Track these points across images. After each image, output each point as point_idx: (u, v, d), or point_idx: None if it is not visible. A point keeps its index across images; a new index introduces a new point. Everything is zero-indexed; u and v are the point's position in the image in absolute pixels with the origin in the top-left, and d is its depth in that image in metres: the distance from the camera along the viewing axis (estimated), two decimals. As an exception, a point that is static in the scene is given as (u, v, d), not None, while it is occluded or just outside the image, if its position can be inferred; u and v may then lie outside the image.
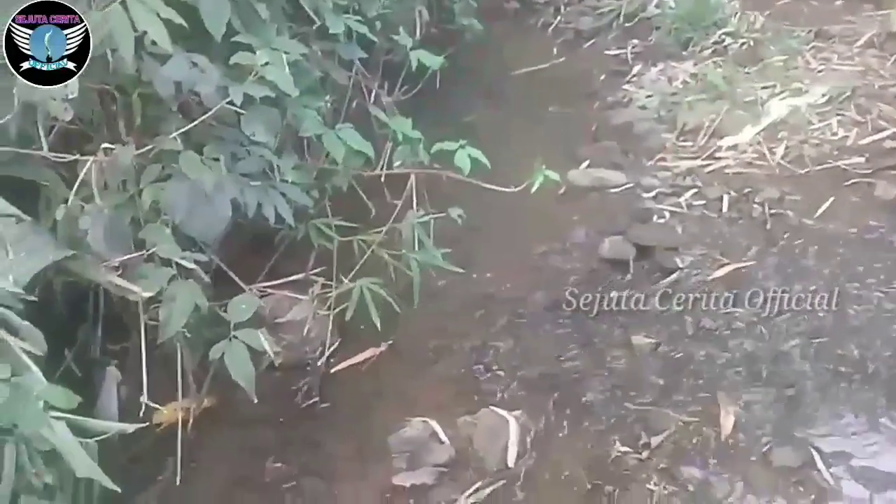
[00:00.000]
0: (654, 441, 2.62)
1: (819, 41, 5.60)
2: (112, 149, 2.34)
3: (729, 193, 3.98)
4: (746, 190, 3.99)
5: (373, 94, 3.89)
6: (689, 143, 4.54)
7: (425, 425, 2.74)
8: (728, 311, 3.20)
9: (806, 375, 2.85)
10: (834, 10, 6.12)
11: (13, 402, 1.67)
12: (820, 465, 2.47)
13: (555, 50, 6.35)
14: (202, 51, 2.46)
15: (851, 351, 2.92)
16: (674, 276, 3.43)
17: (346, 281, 3.12)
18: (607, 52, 6.13)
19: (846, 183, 3.99)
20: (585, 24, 6.65)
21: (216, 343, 2.43)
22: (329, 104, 3.39)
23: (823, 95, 4.69)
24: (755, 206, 3.85)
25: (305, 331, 3.12)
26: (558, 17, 6.91)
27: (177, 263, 2.38)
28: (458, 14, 5.62)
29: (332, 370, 3.09)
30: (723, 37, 5.70)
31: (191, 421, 2.69)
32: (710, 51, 5.62)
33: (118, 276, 2.34)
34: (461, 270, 3.31)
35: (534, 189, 3.28)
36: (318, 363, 3.08)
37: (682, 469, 2.52)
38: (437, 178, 3.23)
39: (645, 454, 2.58)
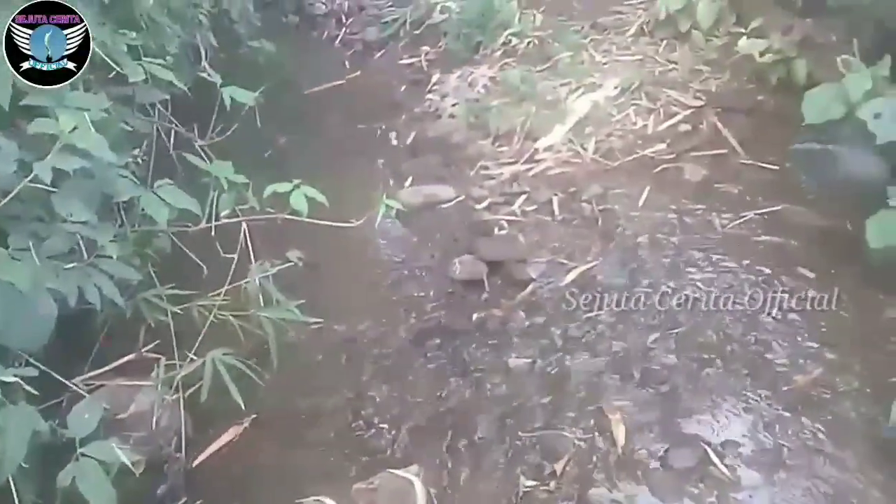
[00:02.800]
0: (558, 468, 2.56)
1: (595, 34, 5.93)
2: None
3: (557, 195, 4.06)
4: (572, 189, 4.10)
5: (174, 139, 3.51)
6: (506, 148, 4.59)
7: (319, 504, 2.49)
8: (589, 315, 3.24)
9: (675, 369, 2.95)
10: (602, 2, 6.47)
11: None
12: (714, 459, 2.56)
13: (347, 63, 6.20)
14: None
15: (709, 336, 3.07)
16: (529, 288, 3.42)
17: (191, 356, 2.77)
18: (401, 61, 6.08)
19: (656, 170, 4.23)
20: (372, 34, 6.56)
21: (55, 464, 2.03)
22: (138, 159, 2.99)
23: (616, 87, 4.96)
24: (584, 204, 3.96)
25: (154, 422, 2.70)
26: (343, 29, 6.76)
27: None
28: (245, 37, 5.28)
29: (195, 462, 2.70)
30: (509, 37, 5.84)
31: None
32: (500, 52, 5.75)
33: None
34: (320, 320, 3.07)
35: (377, 222, 3.14)
36: (177, 457, 2.68)
37: (591, 493, 2.48)
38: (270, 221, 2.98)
39: (552, 484, 2.52)
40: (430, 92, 5.44)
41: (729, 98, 4.82)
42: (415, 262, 3.67)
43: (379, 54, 6.31)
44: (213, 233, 2.98)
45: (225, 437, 2.81)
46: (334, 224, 2.98)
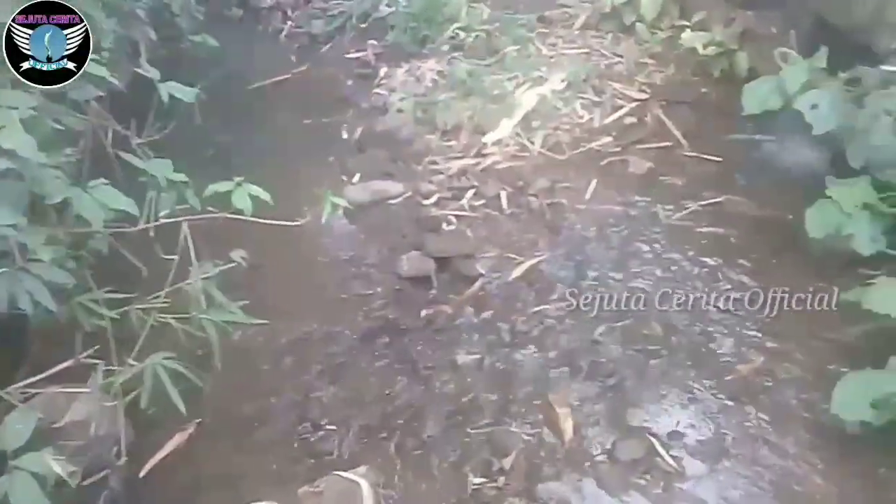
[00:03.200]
0: (506, 464, 2.56)
1: (542, 27, 5.93)
2: None
3: (505, 189, 4.05)
4: (520, 183, 4.09)
5: (110, 137, 3.39)
6: (454, 143, 4.57)
7: (265, 509, 2.44)
8: (536, 309, 3.25)
9: (621, 361, 2.97)
10: (547, -4, 6.49)
11: None
12: (661, 450, 2.59)
13: (293, 58, 6.09)
14: None
15: (654, 328, 3.10)
16: (477, 283, 3.41)
17: (130, 360, 2.69)
18: (347, 55, 5.99)
19: (602, 163, 4.26)
20: (318, 27, 6.45)
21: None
22: (72, 157, 2.88)
23: (562, 81, 4.97)
24: (531, 198, 3.96)
25: (93, 430, 2.62)
26: (288, 23, 6.63)
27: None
28: (186, 31, 5.14)
29: (141, 472, 2.63)
30: (456, 31, 5.81)
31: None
32: (447, 46, 5.70)
33: None
34: (264, 322, 3.01)
35: (324, 219, 3.08)
36: (118, 465, 2.60)
37: (539, 488, 2.49)
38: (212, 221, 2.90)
39: (501, 480, 2.52)
40: (377, 86, 5.38)
41: (673, 90, 4.88)
42: (363, 260, 3.63)
43: (325, 48, 6.21)
44: (151, 234, 2.89)
45: (170, 445, 2.73)
46: (279, 223, 2.92)
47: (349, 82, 5.55)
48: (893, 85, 3.23)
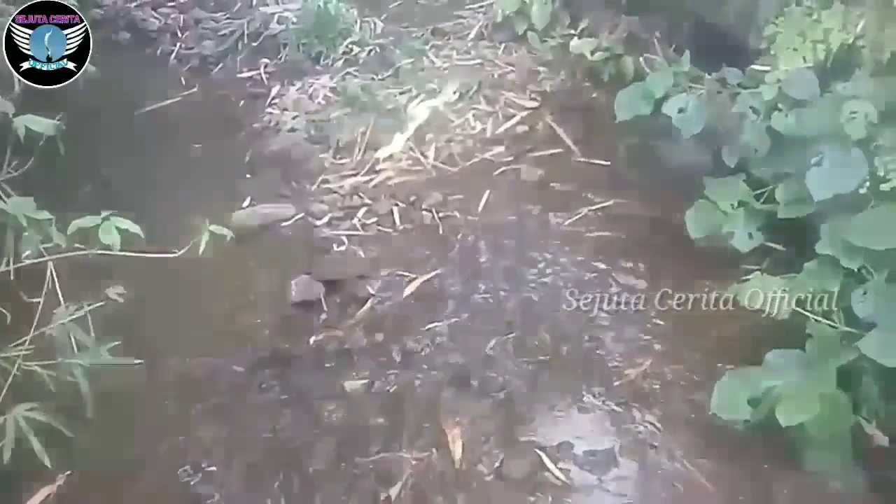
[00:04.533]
0: (392, 493, 2.49)
1: (436, 39, 5.92)
2: None
3: (398, 205, 4.00)
4: (412, 198, 4.05)
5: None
6: (348, 160, 4.49)
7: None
8: (428, 327, 3.20)
9: (512, 374, 2.94)
10: (442, 7, 6.49)
11: None
12: (548, 464, 2.56)
13: (183, 80, 5.90)
14: None
15: (544, 339, 3.08)
16: (368, 304, 3.34)
17: (-7, 415, 2.51)
18: (240, 75, 5.84)
19: (495, 173, 4.26)
20: (209, 48, 6.26)
21: None
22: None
23: (455, 93, 4.96)
24: (424, 212, 3.92)
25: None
26: (178, 44, 6.43)
27: None
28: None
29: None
30: (350, 46, 5.75)
31: None
32: (341, 61, 5.64)
33: None
34: (137, 361, 2.85)
35: (201, 250, 2.95)
36: (-23, 530, 2.42)
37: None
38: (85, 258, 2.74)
39: (388, 510, 2.45)
40: (269, 106, 5.26)
41: (564, 97, 4.93)
42: (251, 288, 3.50)
43: (217, 69, 6.03)
44: (11, 276, 2.72)
45: (35, 500, 2.56)
46: (153, 255, 2.79)
47: (241, 103, 5.40)
48: (762, 84, 3.31)
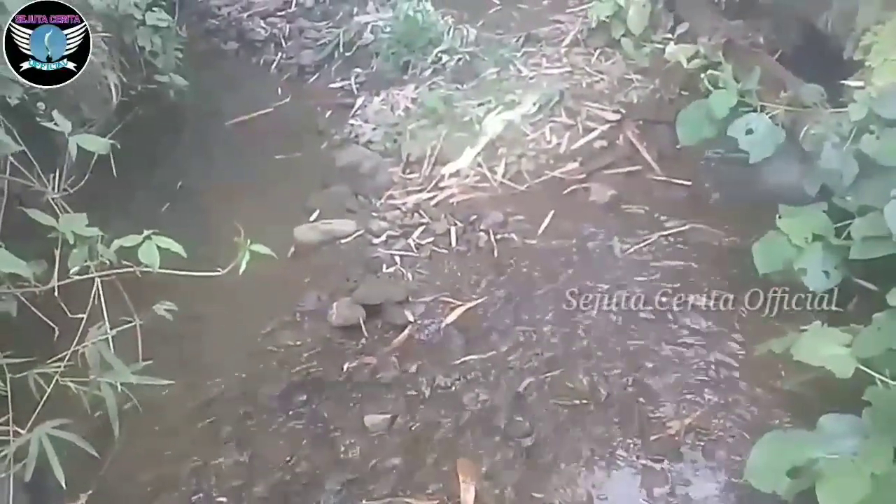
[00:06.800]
0: (396, 542, 2.38)
1: (529, 46, 5.71)
2: None
3: (456, 225, 3.87)
4: (472, 217, 3.89)
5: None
6: (416, 175, 4.40)
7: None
8: (462, 360, 3.05)
9: (541, 418, 2.74)
10: (541, 11, 6.24)
11: None
12: (566, 526, 2.35)
13: (279, 90, 6.02)
14: None
15: (581, 380, 2.85)
16: (406, 331, 3.22)
17: (14, 429, 2.61)
18: (332, 85, 5.88)
19: (564, 192, 4.03)
20: (307, 58, 6.37)
21: None
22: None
23: (534, 104, 4.74)
24: (481, 233, 3.76)
25: (-18, 504, 2.55)
26: (280, 54, 6.58)
27: None
28: (162, 69, 5.14)
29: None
30: (440, 55, 5.64)
31: None
32: (429, 71, 5.54)
33: None
34: (166, 382, 2.88)
35: (241, 270, 2.95)
36: (4, 542, 2.52)
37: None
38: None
39: (385, 561, 2.33)
40: (352, 117, 5.25)
41: (651, 109, 4.59)
42: (298, 307, 3.48)
43: (313, 78, 6.13)
44: (55, 293, 2.83)
45: (58, 518, 2.64)
46: (195, 274, 2.81)
47: (328, 113, 5.43)
48: (851, 102, 2.89)
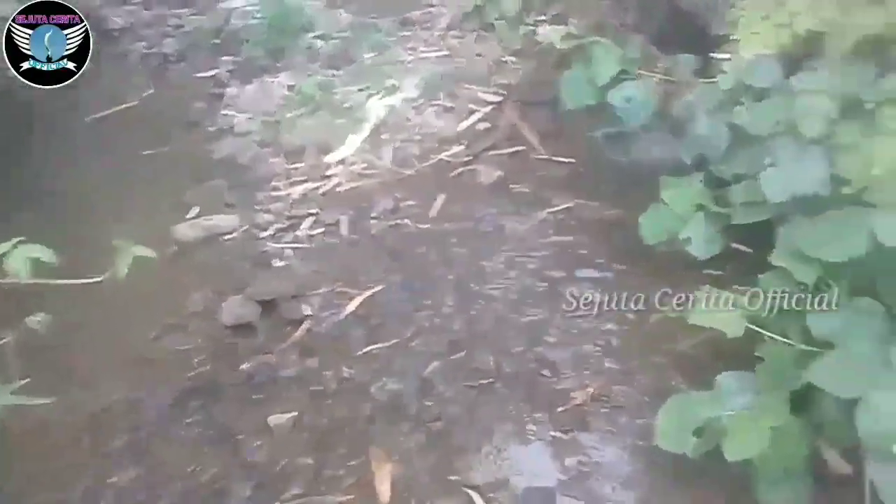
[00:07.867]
0: (311, 541, 2.30)
1: (405, 30, 5.69)
2: None
3: (347, 213, 3.78)
4: (363, 205, 3.83)
5: None
6: (300, 165, 4.27)
7: None
8: (365, 350, 2.99)
9: (450, 401, 2.74)
10: (413, -3, 6.22)
11: None
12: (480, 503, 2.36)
13: (144, 81, 5.69)
14: None
15: (487, 361, 2.86)
16: (304, 326, 3.13)
17: None
18: (200, 74, 5.62)
19: (452, 174, 4.03)
20: (171, 46, 6.07)
21: None
22: None
23: (416, 87, 4.72)
24: (372, 221, 3.70)
25: None
26: (141, 43, 6.21)
27: None
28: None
29: None
30: (313, 40, 5.52)
31: None
32: (303, 58, 5.41)
33: None
34: (45, 401, 2.66)
35: (123, 274, 2.75)
36: None
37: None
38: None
39: (303, 561, 2.26)
40: (225, 107, 5.04)
41: (530, 90, 4.67)
42: (184, 310, 3.30)
43: (178, 68, 5.83)
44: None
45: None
46: (70, 282, 2.59)
47: (197, 104, 5.18)
48: (721, 73, 3.05)
